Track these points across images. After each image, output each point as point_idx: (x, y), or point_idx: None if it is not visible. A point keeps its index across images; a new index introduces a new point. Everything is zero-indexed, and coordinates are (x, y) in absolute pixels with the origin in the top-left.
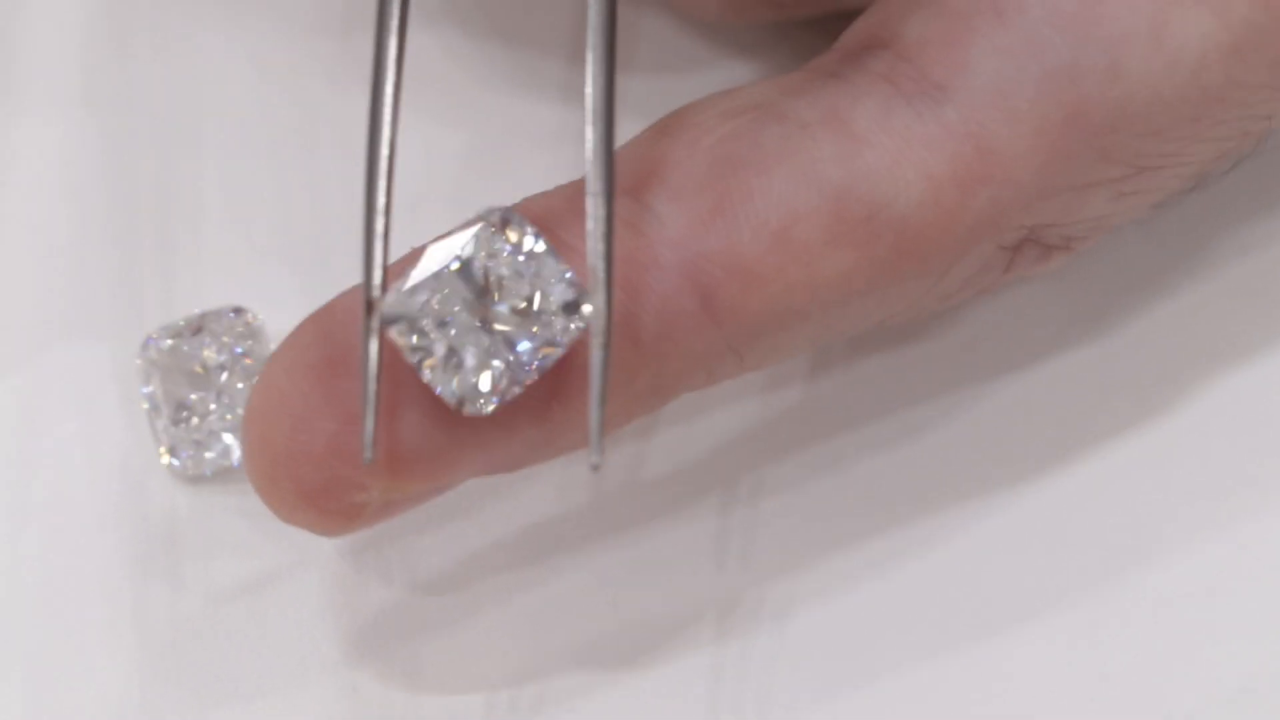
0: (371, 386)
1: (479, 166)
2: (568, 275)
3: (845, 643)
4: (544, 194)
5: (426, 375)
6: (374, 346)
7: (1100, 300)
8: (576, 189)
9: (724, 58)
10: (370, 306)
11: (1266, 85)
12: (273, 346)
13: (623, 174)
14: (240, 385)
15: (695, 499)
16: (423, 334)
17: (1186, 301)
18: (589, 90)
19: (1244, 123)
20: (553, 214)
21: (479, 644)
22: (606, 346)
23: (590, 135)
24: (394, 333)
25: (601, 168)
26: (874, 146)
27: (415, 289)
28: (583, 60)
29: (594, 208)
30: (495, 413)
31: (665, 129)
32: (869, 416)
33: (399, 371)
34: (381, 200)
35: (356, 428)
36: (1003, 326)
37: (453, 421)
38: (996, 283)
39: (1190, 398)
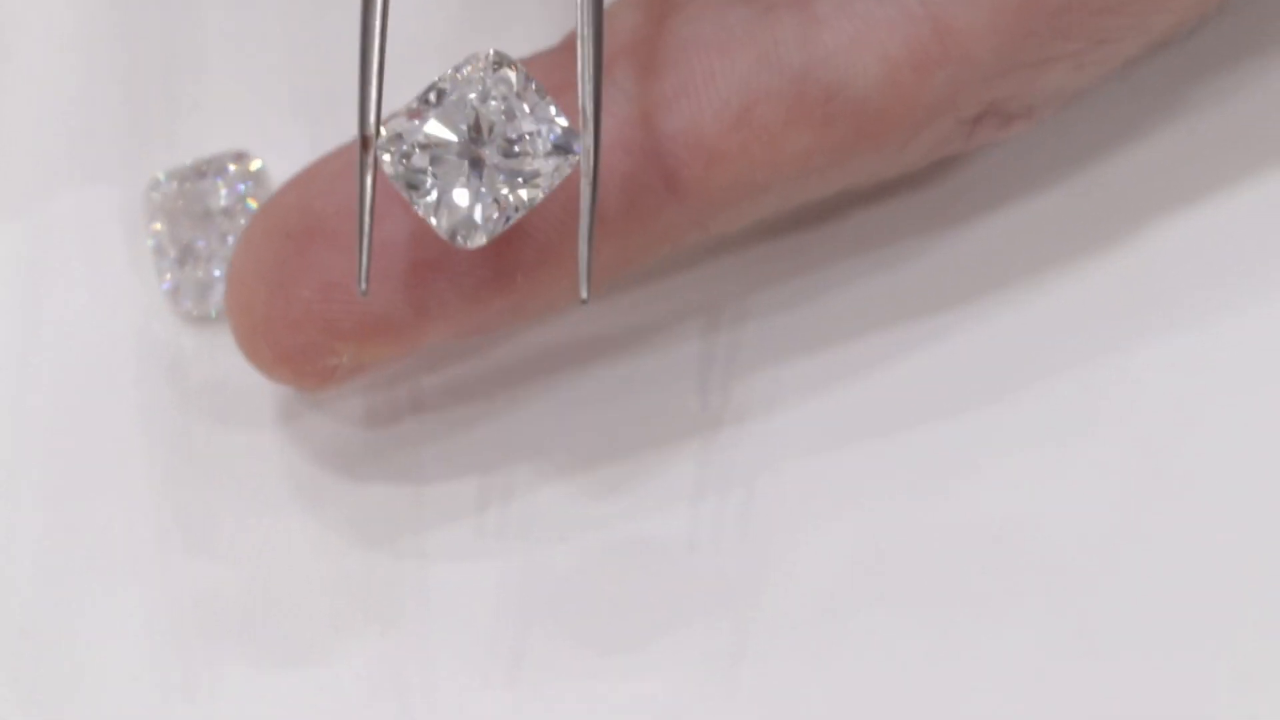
0: (367, 221)
1: (474, 19)
2: (557, 116)
3: (826, 467)
4: (542, 51)
5: (419, 210)
6: (369, 181)
7: (1078, 149)
8: (567, 38)
9: None
10: (366, 143)
11: None
12: (275, 189)
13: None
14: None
15: (679, 326)
16: (416, 167)
17: (1163, 153)
18: None
19: None
20: (544, 59)
21: (470, 458)
22: (594, 184)
23: None
24: (387, 163)
25: (590, 15)
26: (834, 30)
27: (409, 125)
28: None
29: (583, 52)
30: (459, 280)
31: (632, 3)
32: (851, 254)
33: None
34: (376, 40)
35: (330, 295)
36: (987, 174)
37: (419, 290)
38: (959, 150)
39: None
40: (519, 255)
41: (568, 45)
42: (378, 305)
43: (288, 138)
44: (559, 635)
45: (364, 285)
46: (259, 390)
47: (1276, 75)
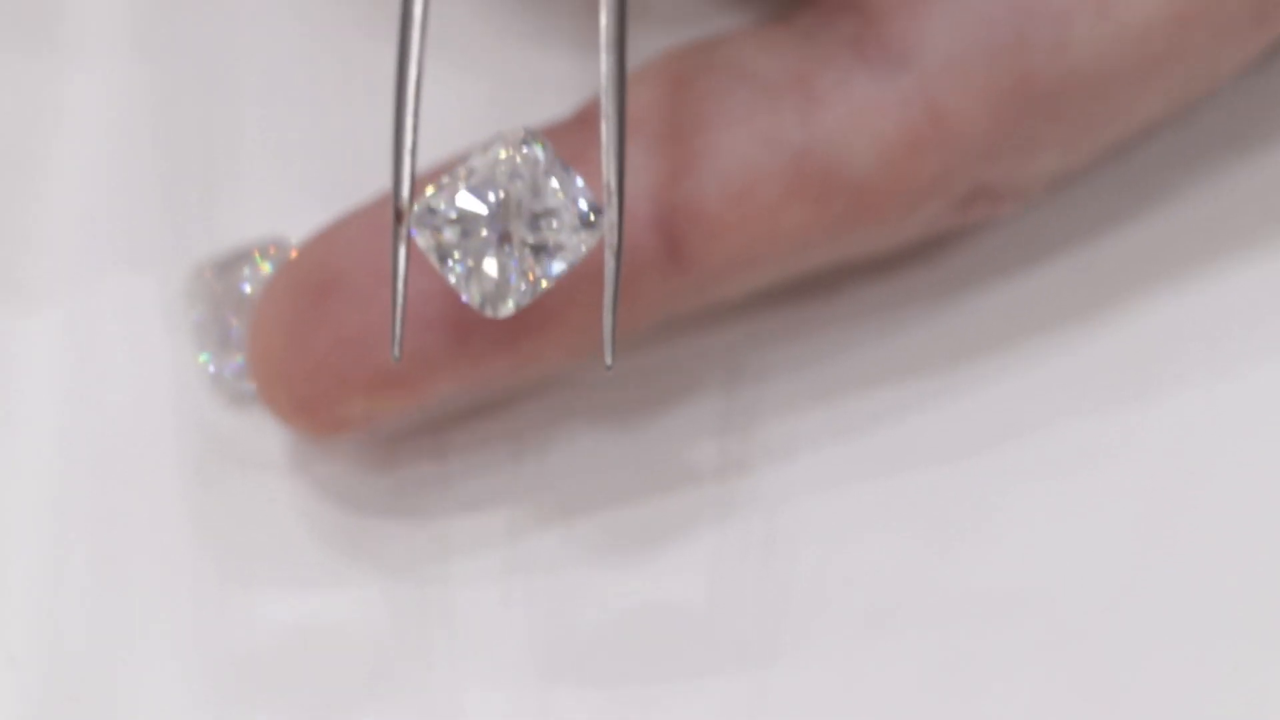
0: (401, 288)
1: (500, 106)
2: (583, 191)
3: (841, 529)
4: (560, 121)
5: (450, 280)
6: (403, 252)
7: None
8: (589, 112)
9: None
10: (399, 215)
11: (1210, 49)
12: None
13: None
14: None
15: (696, 389)
16: (447, 240)
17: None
18: (602, 19)
19: (1190, 82)
20: (568, 134)
21: (495, 521)
22: (618, 257)
23: (604, 61)
24: (420, 239)
25: (613, 92)
26: (833, 111)
27: (440, 199)
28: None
29: (607, 128)
30: (465, 342)
31: (646, 78)
32: (859, 320)
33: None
34: (410, 117)
35: (344, 349)
36: (992, 244)
37: (426, 348)
38: (952, 227)
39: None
40: (524, 317)
41: (581, 117)
42: (385, 358)
43: (323, 223)
44: (581, 695)
45: (397, 351)
46: (298, 467)
47: (1273, 156)
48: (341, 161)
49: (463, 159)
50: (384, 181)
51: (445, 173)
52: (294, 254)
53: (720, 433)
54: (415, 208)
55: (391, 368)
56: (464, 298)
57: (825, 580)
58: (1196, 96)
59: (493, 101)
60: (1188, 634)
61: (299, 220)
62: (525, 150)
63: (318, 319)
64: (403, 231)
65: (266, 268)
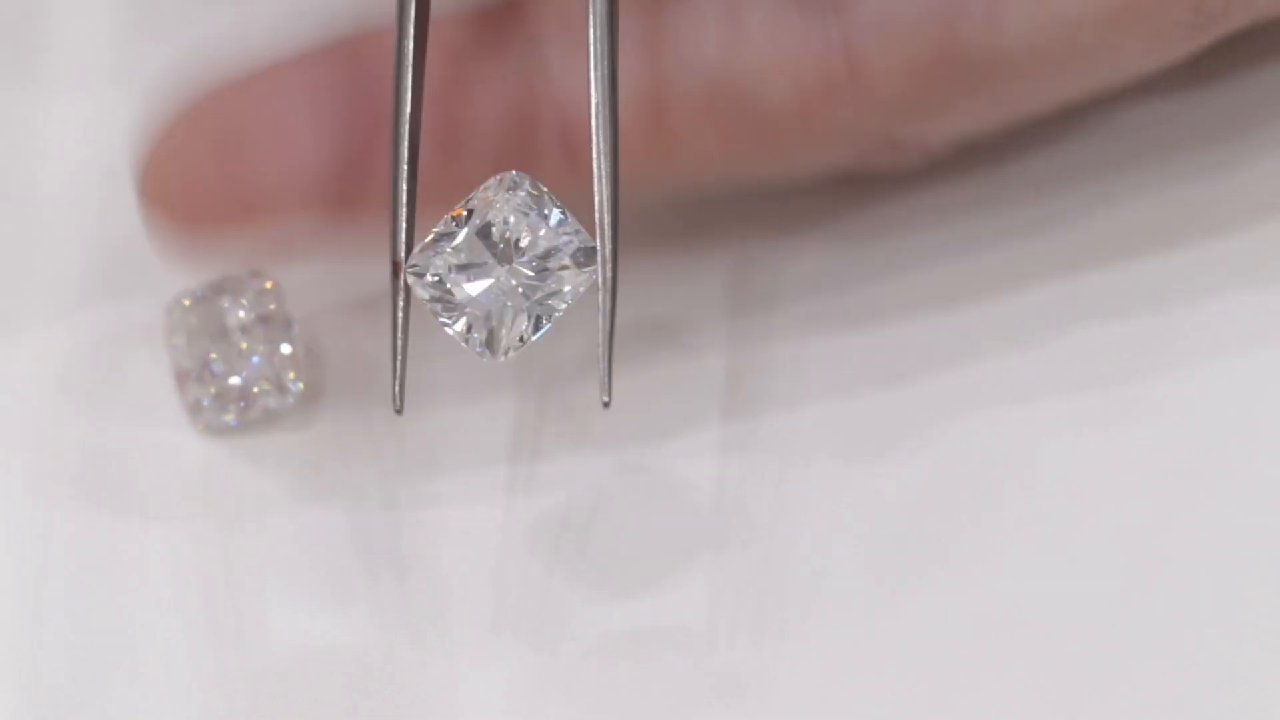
0: (402, 343)
1: None
2: (578, 231)
3: (835, 564)
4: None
5: (450, 330)
6: (400, 304)
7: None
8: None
9: None
10: (396, 267)
11: (1139, 51)
12: (289, 305)
13: (542, 16)
14: (264, 343)
15: (694, 421)
16: (445, 290)
17: None
18: (591, 59)
19: (1112, 76)
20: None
21: (488, 554)
22: (613, 293)
23: (593, 97)
24: (419, 287)
25: (606, 129)
26: (757, 48)
27: (438, 247)
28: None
29: (598, 166)
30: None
31: None
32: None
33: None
34: (405, 166)
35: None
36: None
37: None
38: (853, 172)
39: None
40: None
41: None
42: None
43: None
44: None
45: (399, 406)
46: (281, 495)
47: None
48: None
49: (456, 206)
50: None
51: (441, 222)
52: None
53: (717, 458)
54: (410, 259)
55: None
56: (464, 346)
57: (821, 608)
58: (1117, 88)
59: None
60: (1189, 632)
61: (277, 253)
62: (518, 193)
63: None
64: (399, 284)
65: (244, 301)
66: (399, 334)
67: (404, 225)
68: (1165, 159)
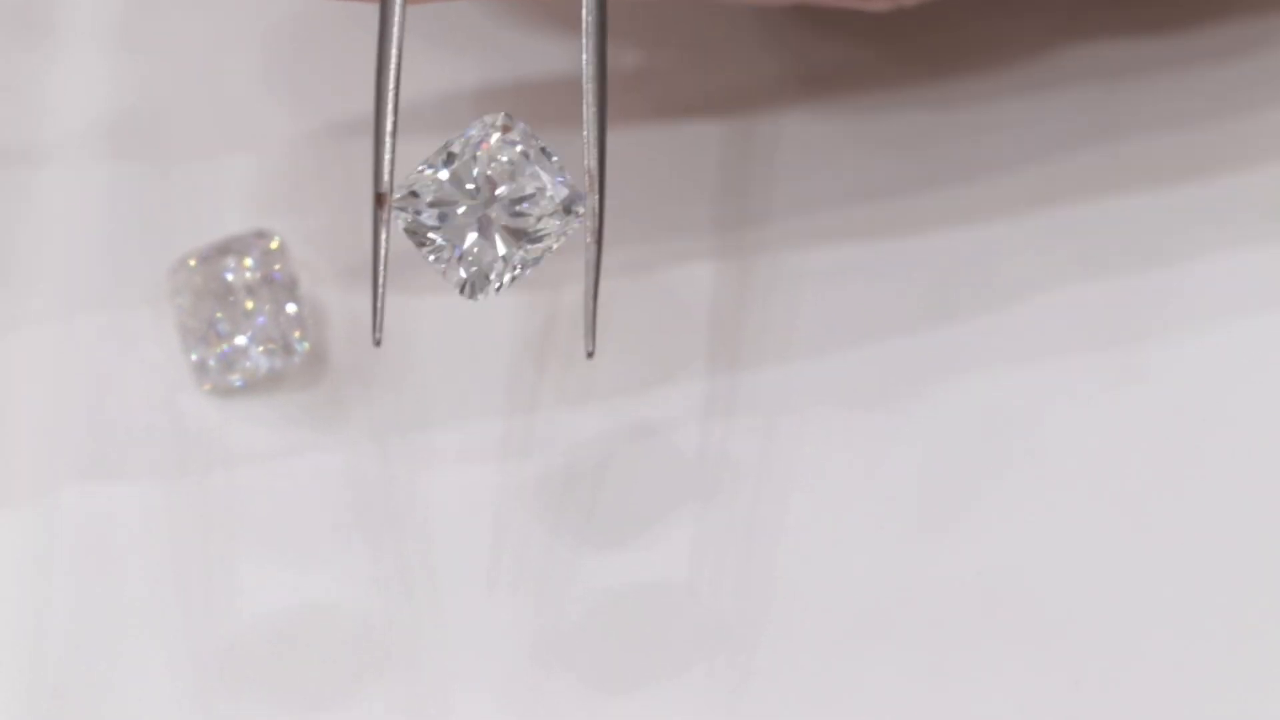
0: (383, 274)
1: (484, 90)
2: (563, 175)
3: (821, 514)
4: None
5: (432, 262)
6: (384, 235)
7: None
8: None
9: None
10: (380, 199)
11: None
12: (295, 266)
13: None
14: (270, 303)
15: (680, 377)
16: (428, 225)
17: None
18: (584, 12)
19: None
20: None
21: (481, 511)
22: (599, 243)
23: (585, 49)
24: (402, 221)
25: (594, 79)
26: None
27: (422, 182)
28: None
29: (588, 114)
30: None
31: None
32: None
33: None
34: (390, 103)
35: None
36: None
37: None
38: (822, 2)
39: None
40: None
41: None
42: None
43: (306, 215)
44: (567, 677)
45: (378, 336)
46: (282, 457)
47: None
48: (325, 155)
49: (444, 143)
50: (367, 174)
51: (426, 159)
52: None
53: (703, 414)
54: (396, 191)
55: None
56: (444, 279)
57: (808, 561)
58: None
59: (475, 86)
60: (1191, 594)
61: (282, 213)
62: (506, 135)
63: None
64: (384, 215)
65: (249, 261)
66: (381, 266)
67: (388, 156)
68: (1172, 113)
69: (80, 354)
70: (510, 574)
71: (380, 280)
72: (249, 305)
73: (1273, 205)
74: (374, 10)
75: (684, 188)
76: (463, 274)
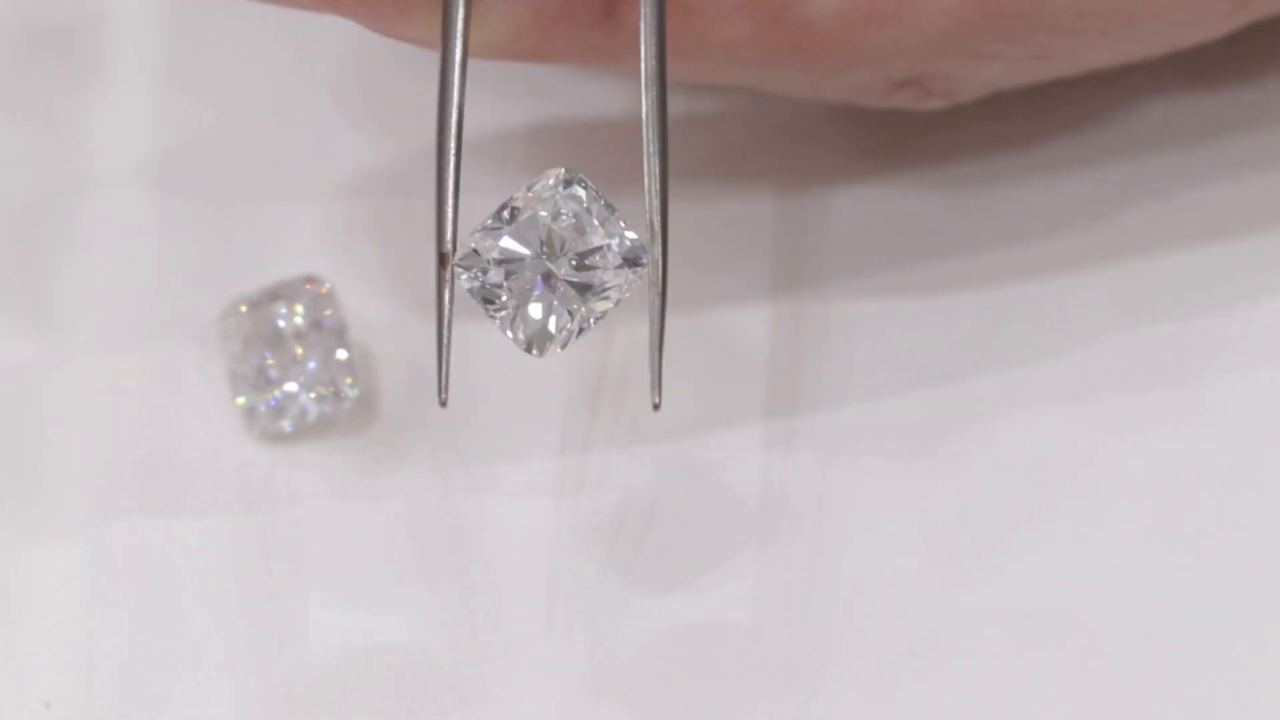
0: (446, 335)
1: (542, 139)
2: (626, 230)
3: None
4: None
5: (496, 322)
6: (447, 295)
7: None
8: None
9: None
10: (443, 259)
11: (1179, 24)
12: (345, 311)
13: None
14: (320, 349)
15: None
16: (492, 282)
17: None
18: (643, 56)
19: (1147, 45)
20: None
21: (540, 550)
22: (663, 294)
23: (645, 99)
24: (465, 280)
25: (655, 129)
26: None
27: (485, 242)
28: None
29: (648, 166)
30: None
31: None
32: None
33: None
34: (452, 160)
35: None
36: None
37: None
38: (871, 104)
39: None
40: None
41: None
42: None
43: (354, 262)
44: (626, 716)
45: (444, 397)
46: (336, 497)
47: None
48: (378, 201)
49: (506, 200)
50: (422, 221)
51: (489, 216)
52: None
53: (763, 455)
54: (459, 251)
55: None
56: (509, 338)
57: (867, 601)
58: (1146, 56)
59: (534, 137)
60: (1241, 632)
61: (334, 259)
62: (568, 190)
63: None
64: (447, 275)
65: (299, 307)
66: (445, 327)
67: (451, 215)
68: (1218, 153)
69: (129, 399)
70: (568, 614)
71: (445, 340)
72: (299, 351)
73: None
74: (435, 55)
75: (739, 240)
76: (527, 331)
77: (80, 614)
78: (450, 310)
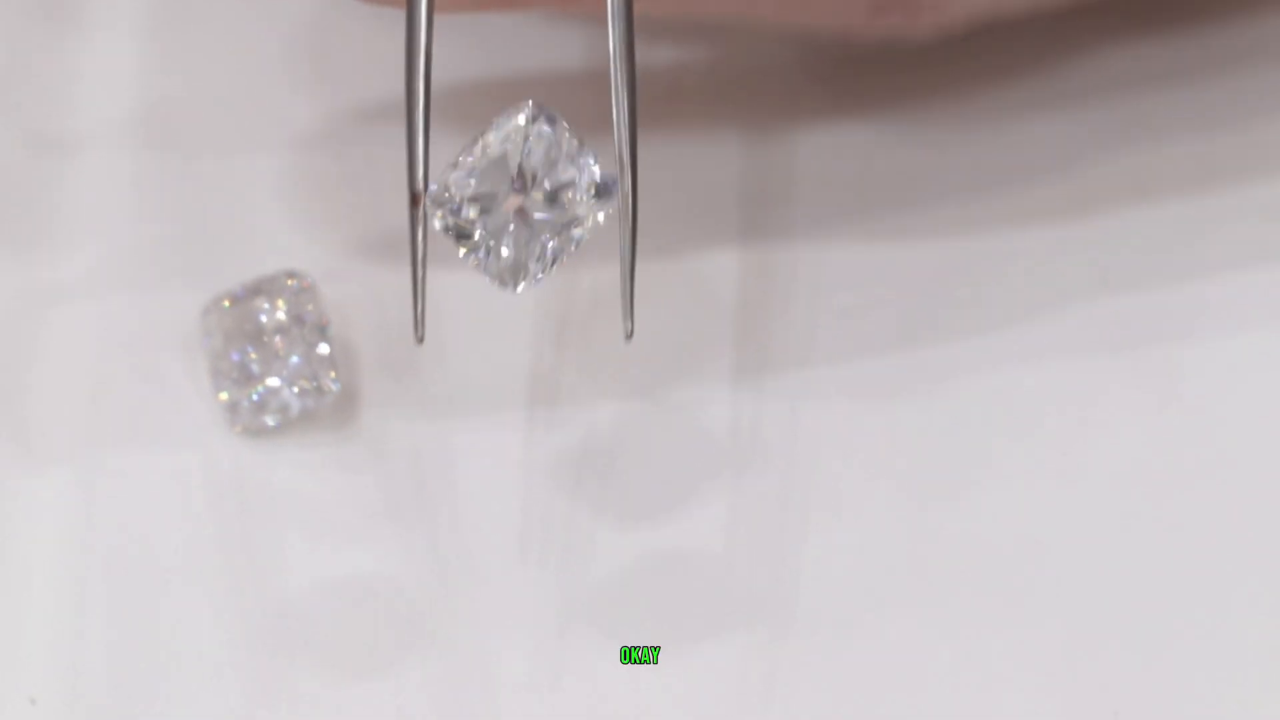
0: (421, 274)
1: (507, 92)
2: (595, 163)
3: (850, 483)
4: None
5: (467, 259)
6: (420, 234)
7: None
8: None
9: None
10: (415, 198)
11: None
12: (326, 306)
13: None
14: (302, 344)
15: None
16: (465, 220)
17: None
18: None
19: None
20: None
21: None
22: (634, 227)
23: (611, 33)
24: (437, 219)
25: (623, 64)
26: None
27: (457, 178)
28: None
29: (617, 99)
30: None
31: None
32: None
33: None
34: (420, 99)
35: None
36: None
37: None
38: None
39: None
40: None
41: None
42: None
43: (335, 257)
44: (599, 645)
45: (421, 333)
46: (314, 498)
47: None
48: (358, 195)
49: (475, 136)
50: (396, 213)
51: (459, 154)
52: None
53: (733, 389)
54: (430, 188)
55: None
56: (483, 275)
57: (838, 531)
58: None
59: (498, 91)
60: (1199, 579)
61: (315, 254)
62: (537, 124)
63: None
64: (419, 213)
65: (282, 303)
66: (419, 265)
67: (421, 154)
68: (1197, 120)
69: (110, 395)
70: (538, 547)
71: (420, 279)
72: (281, 346)
73: None
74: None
75: (706, 186)
76: (501, 265)
77: (64, 610)
78: (425, 248)
